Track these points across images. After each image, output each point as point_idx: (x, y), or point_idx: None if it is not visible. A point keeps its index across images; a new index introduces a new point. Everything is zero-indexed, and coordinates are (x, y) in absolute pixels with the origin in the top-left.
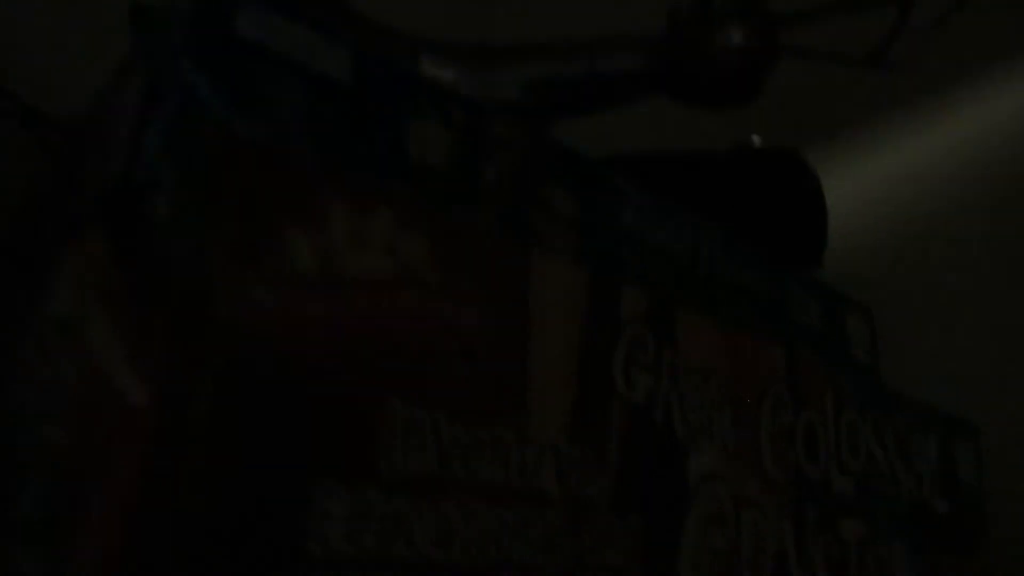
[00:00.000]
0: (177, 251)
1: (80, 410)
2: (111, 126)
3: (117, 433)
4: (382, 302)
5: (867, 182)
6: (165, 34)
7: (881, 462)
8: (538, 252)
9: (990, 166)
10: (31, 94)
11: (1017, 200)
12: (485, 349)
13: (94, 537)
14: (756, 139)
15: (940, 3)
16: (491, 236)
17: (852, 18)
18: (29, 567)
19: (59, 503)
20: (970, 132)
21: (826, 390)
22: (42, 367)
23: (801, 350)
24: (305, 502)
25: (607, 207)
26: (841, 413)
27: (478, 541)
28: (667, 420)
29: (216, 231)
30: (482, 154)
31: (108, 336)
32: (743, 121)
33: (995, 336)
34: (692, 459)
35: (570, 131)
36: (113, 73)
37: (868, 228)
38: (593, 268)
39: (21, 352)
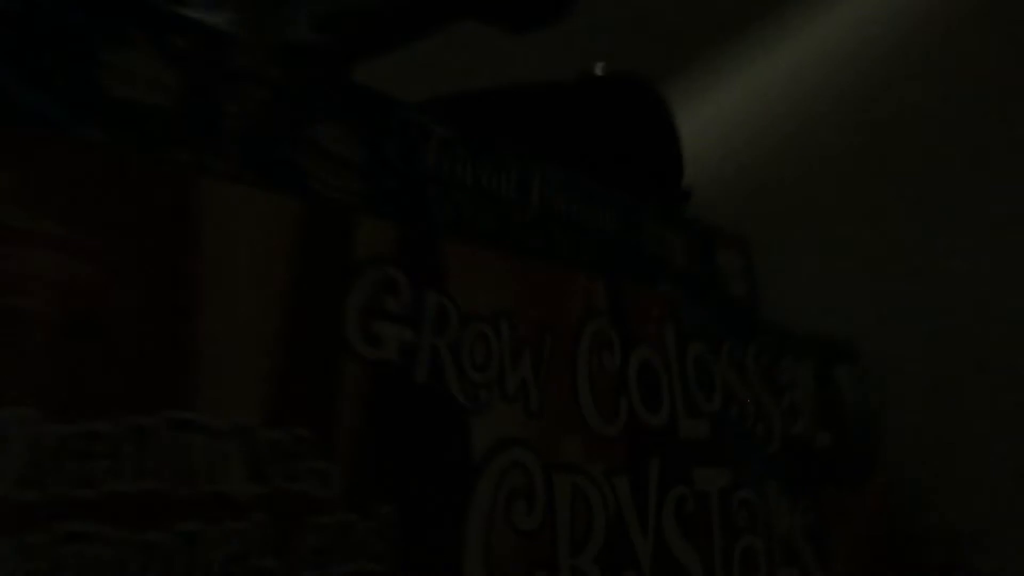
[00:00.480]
0: None
1: None
2: None
3: None
4: None
5: (727, 107)
6: None
7: (743, 396)
8: (212, 183)
9: (850, 77)
10: None
11: (878, 111)
12: (118, 318)
13: None
14: (600, 67)
15: None
16: (137, 166)
17: None
18: None
19: None
20: (829, 42)
21: (665, 324)
22: None
23: (627, 283)
24: None
25: (400, 145)
26: (686, 348)
27: None
28: (436, 379)
29: None
30: (219, 89)
31: None
32: (591, 51)
33: (874, 254)
34: (478, 425)
35: (397, 74)
36: None
37: (733, 155)
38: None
39: None
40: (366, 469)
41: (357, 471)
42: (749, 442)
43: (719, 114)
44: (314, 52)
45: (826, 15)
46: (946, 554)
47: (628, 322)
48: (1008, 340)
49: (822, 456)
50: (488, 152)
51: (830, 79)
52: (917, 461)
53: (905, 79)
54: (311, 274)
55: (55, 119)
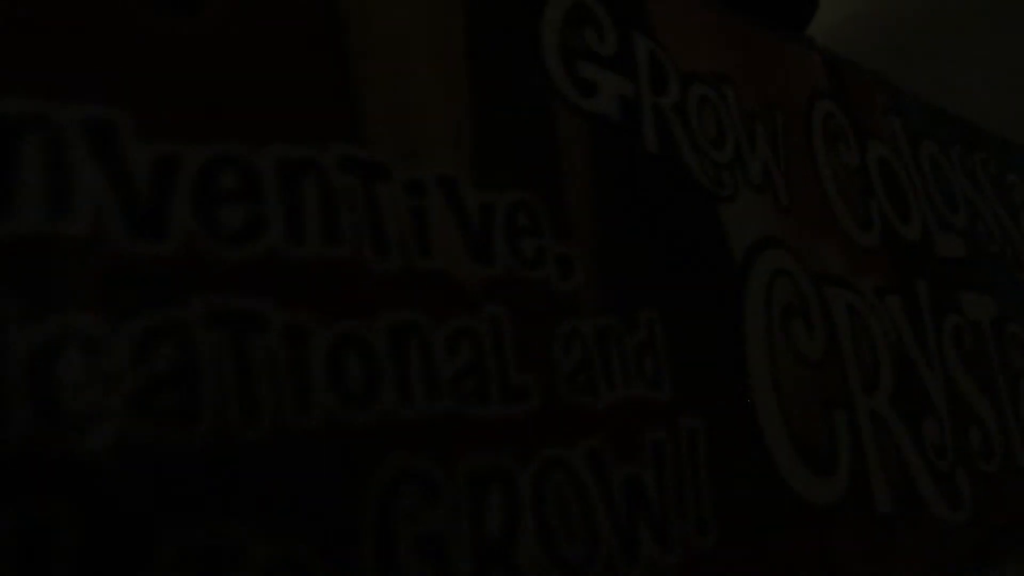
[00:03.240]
0: None
1: None
2: None
3: None
4: None
5: None
6: None
7: (985, 214)
8: None
9: None
10: None
11: None
12: None
13: None
14: None
15: None
16: None
17: None
18: None
19: None
20: None
21: (891, 116)
22: None
23: (841, 60)
24: None
25: None
26: (919, 145)
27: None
28: (668, 148)
29: None
30: None
31: None
32: None
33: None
34: (729, 217)
35: None
36: None
37: None
38: None
39: None
40: (613, 257)
41: (605, 259)
42: (1003, 267)
43: None
44: None
45: None
46: None
47: (855, 109)
48: None
49: None
50: None
51: None
52: None
53: None
54: None
55: None
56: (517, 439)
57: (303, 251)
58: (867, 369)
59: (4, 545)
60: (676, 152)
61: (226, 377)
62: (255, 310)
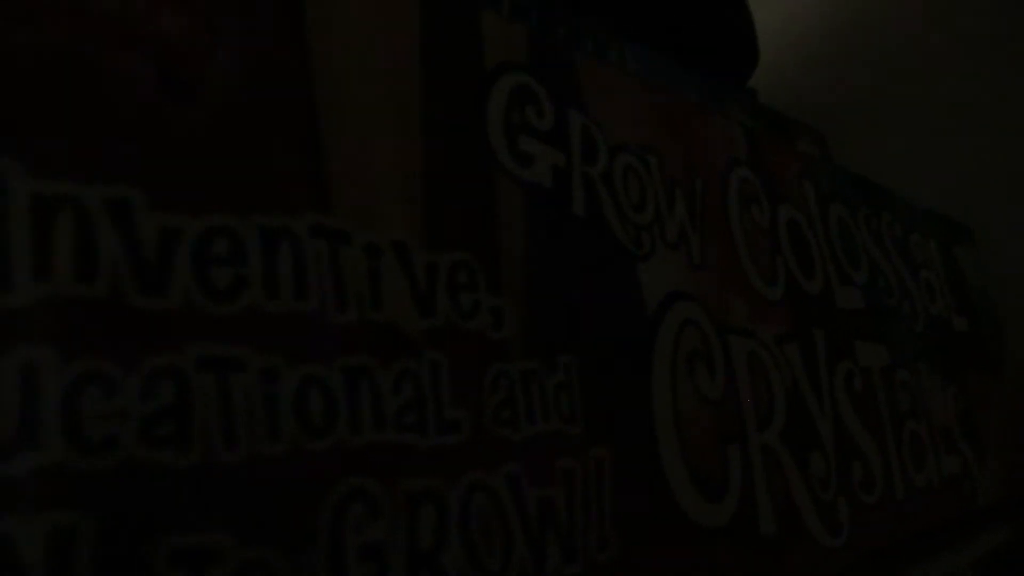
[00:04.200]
0: None
1: None
2: None
3: None
4: None
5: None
6: None
7: (886, 270)
8: None
9: None
10: None
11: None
12: (222, 80)
13: None
14: None
15: None
16: None
17: None
18: None
19: None
20: None
21: (804, 181)
22: None
23: (763, 132)
24: None
25: None
26: (828, 207)
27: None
28: (594, 212)
29: None
30: None
31: None
32: None
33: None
34: (645, 274)
35: None
36: None
37: (807, 38)
38: None
39: None
40: (539, 309)
41: (532, 310)
42: (898, 320)
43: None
44: None
45: None
46: None
47: (770, 174)
48: None
49: (961, 339)
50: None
51: None
52: None
53: None
54: (440, 75)
55: None
56: (448, 464)
57: (277, 306)
58: (762, 408)
59: (38, 547)
60: (601, 215)
61: (212, 411)
62: (236, 356)
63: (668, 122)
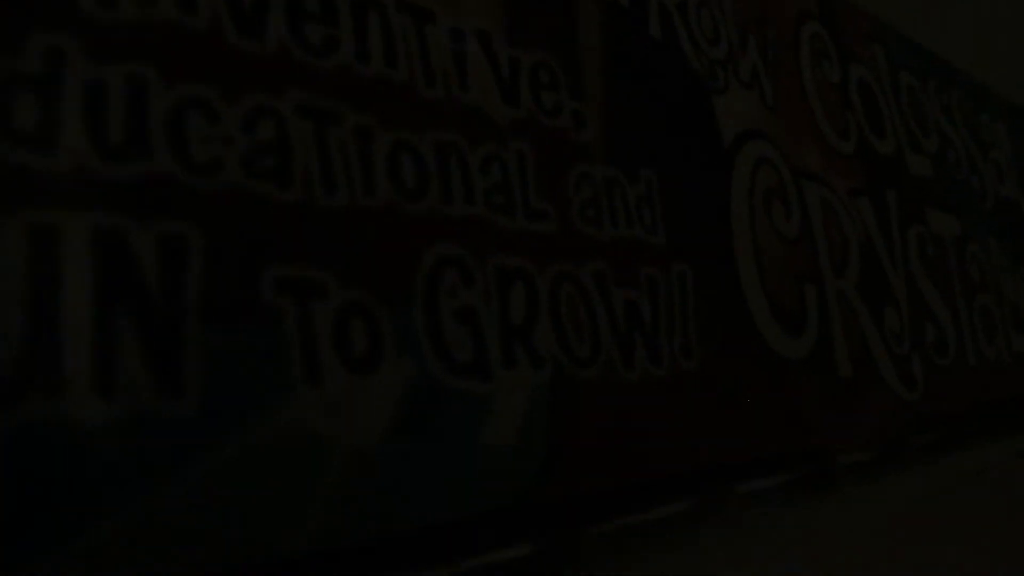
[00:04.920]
0: None
1: None
2: None
3: None
4: None
5: None
6: None
7: (956, 143)
8: None
9: None
10: None
11: None
12: None
13: None
14: None
15: None
16: None
17: None
18: None
19: None
20: None
21: (874, 45)
22: None
23: None
24: None
25: None
26: (898, 76)
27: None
28: (669, 37)
29: None
30: None
31: None
32: None
33: None
34: (721, 107)
35: None
36: None
37: None
38: None
39: None
40: (619, 121)
41: (612, 120)
42: (969, 194)
43: None
44: None
45: None
46: None
47: (841, 34)
48: None
49: None
50: None
51: None
52: None
53: None
54: None
55: None
56: (537, 250)
57: (369, 70)
58: (837, 255)
59: (150, 249)
60: (676, 41)
61: (311, 155)
62: (332, 109)
63: None
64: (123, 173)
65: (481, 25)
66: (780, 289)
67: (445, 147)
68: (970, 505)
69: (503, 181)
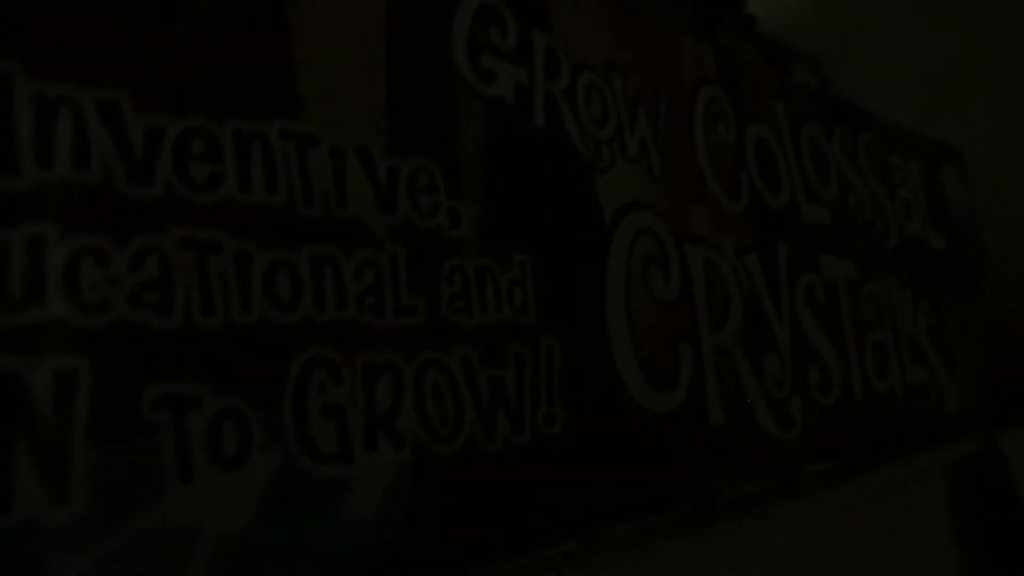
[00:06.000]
0: None
1: None
2: None
3: None
4: None
5: None
6: None
7: (858, 188)
8: None
9: None
10: None
11: None
12: (200, 4)
13: None
14: None
15: None
16: None
17: None
18: None
19: None
20: None
21: (776, 102)
22: None
23: (737, 52)
24: None
25: None
26: (800, 128)
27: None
28: (554, 125)
29: None
30: None
31: None
32: None
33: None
34: (604, 184)
35: None
36: None
37: None
38: None
39: None
40: (496, 213)
41: (489, 213)
42: (869, 235)
43: None
44: None
45: None
46: None
47: (740, 94)
48: None
49: (937, 257)
50: None
51: None
52: None
53: None
54: None
55: None
56: (405, 343)
57: (250, 198)
58: (716, 311)
59: (47, 384)
60: (561, 126)
61: (192, 285)
62: (213, 239)
63: (634, 42)
64: (21, 321)
65: (361, 140)
66: (653, 350)
67: (320, 260)
68: (869, 528)
69: (376, 284)
